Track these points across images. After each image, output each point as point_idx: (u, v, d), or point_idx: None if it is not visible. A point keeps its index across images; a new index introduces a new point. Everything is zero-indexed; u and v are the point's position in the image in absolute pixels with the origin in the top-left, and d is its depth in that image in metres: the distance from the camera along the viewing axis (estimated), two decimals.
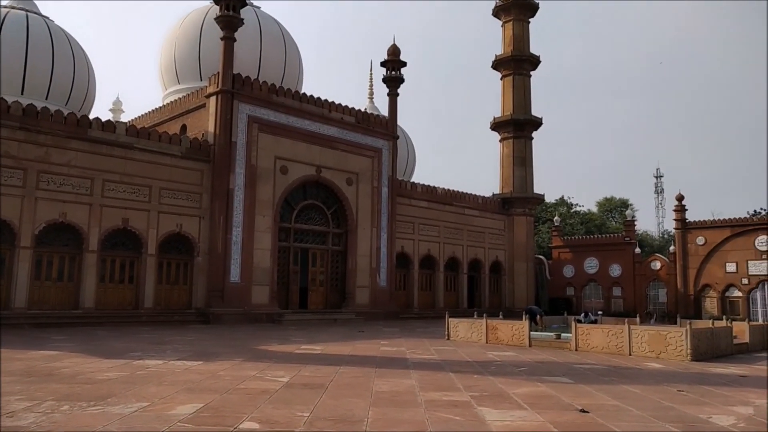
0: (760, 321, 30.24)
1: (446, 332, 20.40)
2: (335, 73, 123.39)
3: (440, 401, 8.70)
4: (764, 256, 34.83)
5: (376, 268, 33.16)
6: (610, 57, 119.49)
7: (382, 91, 37.21)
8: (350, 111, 33.11)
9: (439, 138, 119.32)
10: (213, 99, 28.13)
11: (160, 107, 33.22)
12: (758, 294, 35.06)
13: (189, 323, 25.22)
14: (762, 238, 35.00)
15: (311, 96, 31.38)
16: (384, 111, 37.40)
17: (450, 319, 20.64)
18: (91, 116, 25.38)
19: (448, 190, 39.35)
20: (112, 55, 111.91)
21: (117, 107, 43.30)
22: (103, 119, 25.33)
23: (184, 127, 30.18)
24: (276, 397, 8.73)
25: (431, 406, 8.28)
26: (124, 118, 38.87)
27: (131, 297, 25.16)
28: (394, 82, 35.89)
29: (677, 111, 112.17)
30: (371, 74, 48.86)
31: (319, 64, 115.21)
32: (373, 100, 47.78)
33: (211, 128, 27.93)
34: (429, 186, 38.31)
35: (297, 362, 13.06)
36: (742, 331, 19.04)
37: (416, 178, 44.53)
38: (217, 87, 27.89)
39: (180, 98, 31.48)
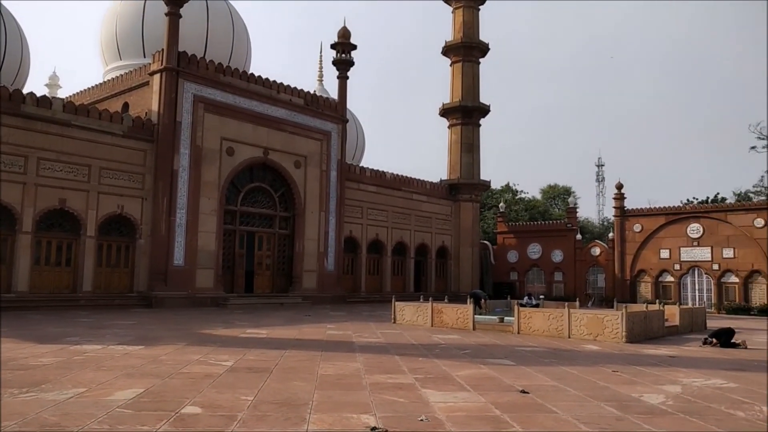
0: (690, 305, 31.77)
1: (392, 316, 20.59)
2: (285, 54, 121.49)
3: (385, 384, 8.80)
4: (695, 243, 36.52)
5: (323, 252, 33.06)
6: (556, 46, 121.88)
7: (332, 74, 36.92)
8: (299, 93, 32.69)
9: (389, 123, 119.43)
10: (157, 77, 27.24)
11: (101, 84, 31.93)
12: (689, 279, 36.79)
13: (130, 307, 24.58)
14: (694, 225, 36.66)
15: (259, 76, 30.81)
16: (334, 94, 37.11)
17: (396, 303, 20.85)
18: (25, 91, 24.11)
19: (397, 175, 39.50)
20: (49, 28, 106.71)
21: (54, 82, 41.44)
22: (39, 95, 24.18)
23: (126, 105, 29.14)
24: (220, 381, 8.63)
25: (376, 389, 8.36)
26: (62, 94, 37.24)
27: (69, 280, 24.28)
28: (343, 65, 35.61)
29: (619, 101, 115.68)
30: (321, 57, 48.45)
31: (268, 45, 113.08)
32: (323, 82, 47.38)
33: (154, 107, 27.07)
34: (378, 171, 38.37)
35: (242, 346, 12.93)
36: (673, 314, 19.99)
37: (365, 163, 44.56)
38: (162, 65, 27.01)
39: (122, 75, 30.34)
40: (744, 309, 32.14)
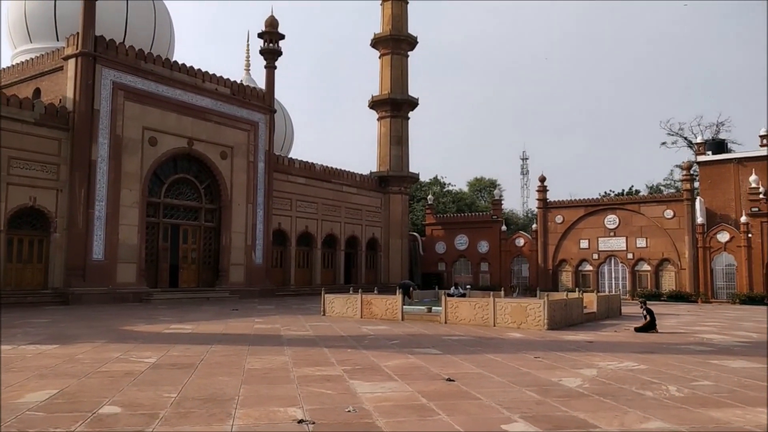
0: (607, 292, 33.36)
1: (322, 308, 20.54)
2: (211, 43, 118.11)
3: (313, 376, 8.77)
4: (612, 234, 38.34)
5: (251, 245, 32.50)
6: (483, 42, 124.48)
7: (260, 63, 36.26)
8: (225, 82, 31.90)
9: (319, 114, 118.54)
10: (72, 62, 25.86)
11: (8, 68, 29.99)
12: (606, 268, 38.61)
13: (44, 305, 23.31)
14: (611, 217, 38.46)
15: (183, 64, 29.82)
16: (261, 84, 36.45)
17: (326, 295, 20.80)
18: None
19: (327, 167, 39.31)
20: None
21: None
22: None
23: (37, 91, 27.51)
24: (141, 379, 8.35)
25: (304, 381, 8.32)
26: None
27: None
28: (271, 54, 35.02)
29: (543, 97, 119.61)
30: (248, 46, 47.42)
31: (193, 33, 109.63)
32: (250, 72, 46.38)
33: (69, 93, 25.71)
34: (307, 162, 38.04)
35: (165, 342, 12.55)
36: (591, 301, 20.95)
37: (294, 154, 44.08)
38: (77, 49, 25.66)
39: (32, 59, 28.58)
40: (655, 295, 34.04)
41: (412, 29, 43.94)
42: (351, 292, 20.78)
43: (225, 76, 31.93)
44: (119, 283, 26.06)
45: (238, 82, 33.44)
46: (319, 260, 38.20)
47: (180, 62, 29.79)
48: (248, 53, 46.82)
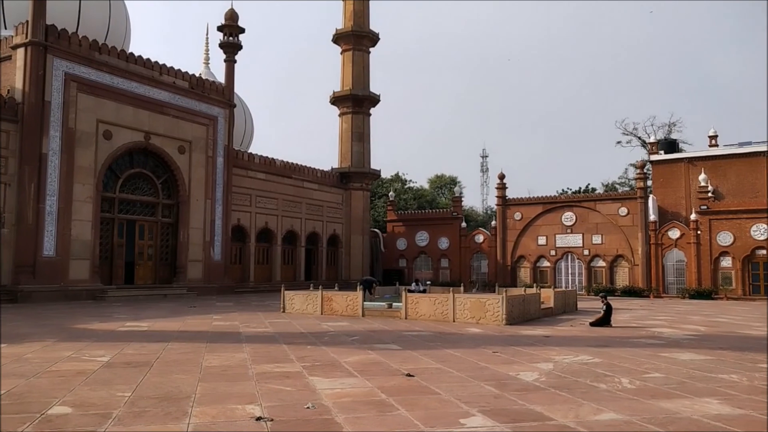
0: (564, 288, 34.05)
1: (282, 305, 20.38)
2: (168, 36, 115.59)
3: (272, 373, 8.69)
4: (569, 231, 39.15)
5: (210, 242, 32.00)
6: (444, 40, 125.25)
7: (219, 57, 35.67)
8: (183, 75, 31.28)
9: (280, 110, 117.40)
10: (21, 51, 24.94)
11: None
12: (563, 264, 39.42)
13: None
14: (568, 214, 39.26)
15: (140, 56, 29.10)
16: (221, 78, 35.87)
17: (286, 292, 20.65)
18: None
19: (287, 162, 38.98)
20: None
21: None
22: None
23: None
24: (94, 378, 8.13)
25: (263, 378, 8.24)
26: None
27: None
28: (231, 48, 34.51)
29: (503, 95, 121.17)
30: (207, 39, 46.52)
31: (151, 26, 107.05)
32: (209, 66, 45.56)
33: (18, 84, 24.80)
34: (267, 157, 37.64)
35: (120, 340, 12.25)
36: (548, 297, 21.33)
37: (254, 150, 43.46)
38: (26, 38, 24.76)
39: None
40: (610, 290, 34.90)
41: (374, 26, 43.93)
42: (311, 288, 20.68)
43: (183, 69, 31.32)
44: (72, 280, 25.32)
45: (197, 75, 32.83)
46: (279, 257, 37.88)
47: (136, 54, 29.05)
48: (207, 47, 45.98)
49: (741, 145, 38.29)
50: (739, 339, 14.00)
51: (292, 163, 39.32)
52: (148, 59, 29.43)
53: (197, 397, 7.03)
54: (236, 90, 35.22)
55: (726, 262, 33.76)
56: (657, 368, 9.46)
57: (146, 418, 6.11)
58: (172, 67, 30.57)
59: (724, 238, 33.67)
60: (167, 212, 30.72)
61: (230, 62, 34.51)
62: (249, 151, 39.64)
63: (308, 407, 6.60)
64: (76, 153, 25.87)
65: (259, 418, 6.08)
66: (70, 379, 8.05)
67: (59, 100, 25.36)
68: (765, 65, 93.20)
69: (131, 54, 28.94)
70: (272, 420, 6.03)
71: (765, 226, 32.63)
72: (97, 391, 7.33)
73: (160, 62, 30.00)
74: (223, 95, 33.56)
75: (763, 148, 36.88)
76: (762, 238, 32.71)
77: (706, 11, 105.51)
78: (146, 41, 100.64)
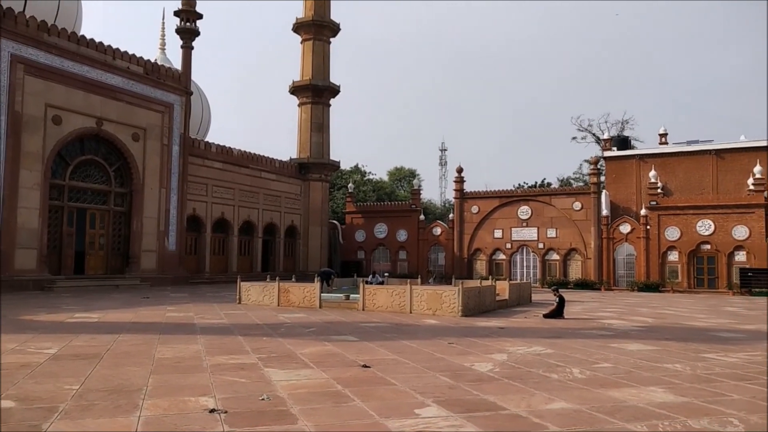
0: (519, 280, 34.67)
1: (238, 296, 20.16)
2: (123, 19, 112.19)
3: (227, 365, 8.59)
4: (524, 224, 39.83)
5: (164, 231, 31.35)
6: (407, 34, 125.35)
7: (177, 43, 34.83)
8: (138, 60, 30.43)
9: (241, 100, 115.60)
10: None
11: None
12: (518, 257, 40.11)
13: None
14: (524, 208, 39.92)
15: (92, 39, 28.18)
16: (177, 65, 35.05)
17: (242, 283, 20.42)
18: None
19: (245, 152, 38.43)
20: None
21: None
22: None
23: None
24: (40, 371, 7.88)
25: (217, 370, 8.14)
26: None
27: None
28: (188, 33, 33.74)
29: (462, 90, 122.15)
30: (163, 24, 45.40)
31: (104, 8, 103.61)
32: (166, 52, 44.46)
33: None
34: (224, 146, 37.01)
35: (69, 332, 11.90)
36: (503, 289, 21.68)
37: (212, 138, 42.68)
38: None
39: None
40: (563, 283, 35.72)
41: (337, 17, 43.60)
42: (268, 279, 20.50)
43: (138, 55, 30.47)
44: (18, 270, 24.45)
45: (152, 61, 31.99)
46: (236, 247, 37.39)
47: (88, 37, 28.12)
48: (164, 32, 44.85)
49: (689, 143, 39.66)
50: (684, 330, 14.53)
51: (250, 153, 38.80)
52: (101, 43, 28.54)
53: (149, 390, 6.89)
54: (194, 78, 34.53)
55: (673, 256, 34.94)
56: (606, 358, 9.74)
57: (95, 411, 5.96)
58: (126, 52, 29.73)
59: (672, 233, 34.84)
60: (120, 201, 29.93)
61: (187, 48, 33.75)
62: (206, 139, 38.93)
63: (263, 399, 6.55)
64: (22, 138, 24.93)
65: (212, 410, 6.00)
66: (14, 372, 7.78)
67: (5, 82, 24.36)
68: (764, 66, 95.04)
69: (83, 36, 28.00)
70: (226, 412, 5.96)
71: (710, 221, 33.90)
72: (42, 384, 7.11)
73: (114, 46, 29.11)
74: (179, 82, 32.82)
75: (709, 147, 38.27)
76: (707, 233, 33.96)
77: (663, 13, 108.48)
78: (99, 25, 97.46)
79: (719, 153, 37.82)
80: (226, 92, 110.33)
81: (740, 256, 33.28)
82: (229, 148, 37.27)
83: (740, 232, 33.18)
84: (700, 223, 34.18)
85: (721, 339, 12.75)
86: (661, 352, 10.52)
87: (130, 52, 29.97)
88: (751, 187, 33.85)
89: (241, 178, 37.73)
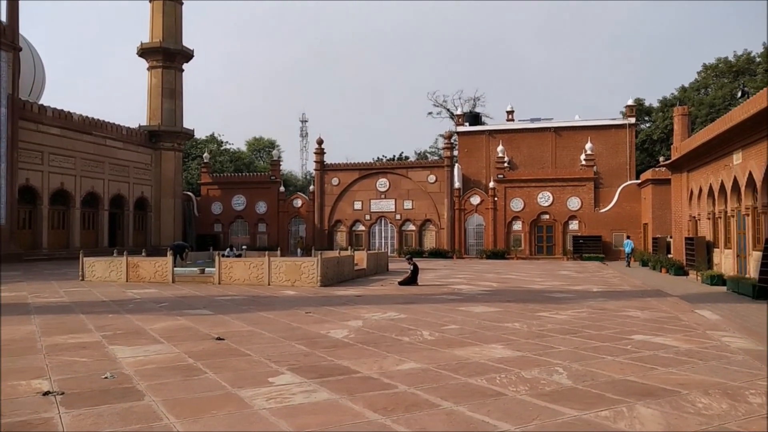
0: (377, 250, 35.63)
1: (81, 273, 18.78)
2: None
3: (66, 344, 8.00)
4: (383, 196, 40.84)
5: None
6: (268, 3, 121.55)
7: None
8: None
9: (80, 59, 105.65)
10: None
11: None
12: (377, 228, 41.14)
13: None
14: (382, 180, 40.87)
15: None
16: (2, 17, 31.20)
17: (85, 259, 19.04)
18: None
19: (87, 117, 35.37)
20: None
21: None
22: None
23: None
24: None
25: (54, 351, 7.55)
26: None
27: None
28: None
29: (323, 62, 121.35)
30: None
31: None
32: None
33: None
34: (63, 111, 33.79)
35: None
36: (362, 258, 22.20)
37: (48, 102, 38.79)
38: None
39: None
40: (419, 253, 37.27)
41: None
42: (115, 254, 19.24)
43: None
44: None
45: None
46: (78, 221, 34.55)
47: None
48: None
49: (532, 120, 42.76)
50: (523, 292, 15.84)
51: (93, 119, 35.79)
52: None
53: None
54: (25, 33, 30.94)
55: (517, 226, 37.75)
56: (454, 321, 10.36)
57: None
58: None
59: (516, 204, 37.57)
60: None
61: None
62: (40, 102, 35.25)
63: (106, 377, 6.19)
64: None
65: (47, 393, 5.56)
66: None
67: None
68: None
69: None
70: (63, 394, 5.55)
71: (549, 193, 36.98)
72: None
73: None
74: (5, 36, 29.29)
75: (549, 125, 41.54)
76: (546, 204, 37.05)
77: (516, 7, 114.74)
78: None
79: (558, 130, 41.21)
80: (66, 51, 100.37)
81: (573, 225, 36.77)
82: (69, 112, 34.10)
83: (573, 203, 36.60)
84: (540, 195, 37.17)
85: (554, 299, 14.07)
86: (503, 313, 11.39)
87: None
88: (584, 162, 37.41)
89: (84, 145, 34.76)
